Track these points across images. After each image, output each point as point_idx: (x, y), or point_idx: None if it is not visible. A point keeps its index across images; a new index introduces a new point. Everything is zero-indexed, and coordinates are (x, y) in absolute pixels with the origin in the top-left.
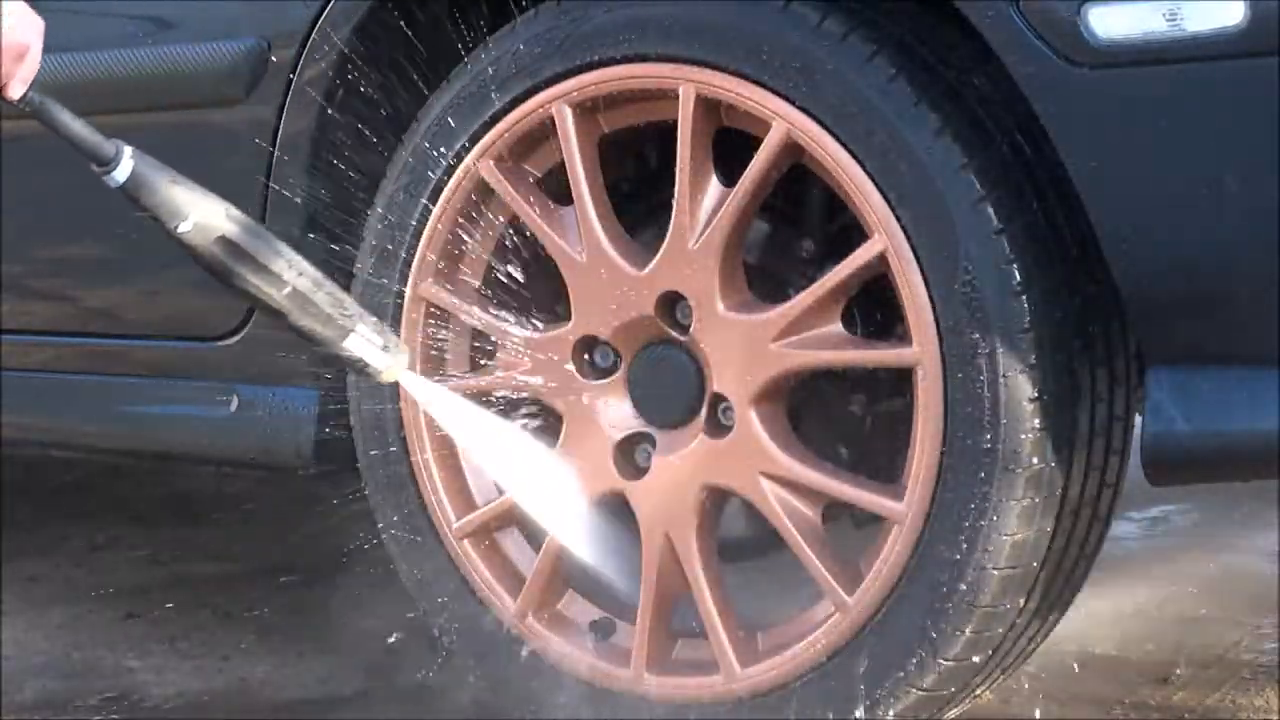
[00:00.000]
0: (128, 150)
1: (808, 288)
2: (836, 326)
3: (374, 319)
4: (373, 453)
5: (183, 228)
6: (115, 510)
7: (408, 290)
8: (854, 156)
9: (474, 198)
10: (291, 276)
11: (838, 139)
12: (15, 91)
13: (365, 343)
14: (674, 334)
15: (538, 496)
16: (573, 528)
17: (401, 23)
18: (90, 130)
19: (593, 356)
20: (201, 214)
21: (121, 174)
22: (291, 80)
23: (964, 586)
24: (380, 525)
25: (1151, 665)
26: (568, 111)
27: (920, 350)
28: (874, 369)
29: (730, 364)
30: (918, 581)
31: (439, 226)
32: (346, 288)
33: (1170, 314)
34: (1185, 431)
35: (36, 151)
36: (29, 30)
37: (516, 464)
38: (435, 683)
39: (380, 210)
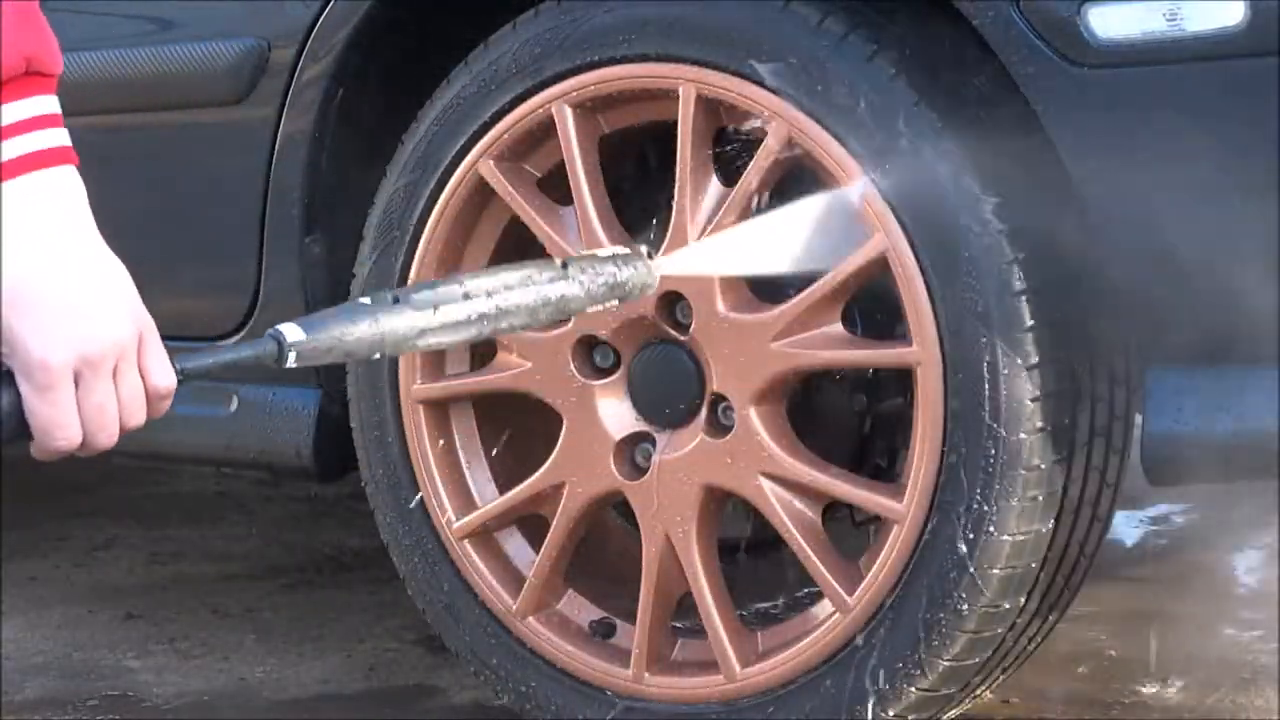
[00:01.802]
0: (286, 337)
1: (808, 288)
2: (836, 326)
3: (581, 261)
4: (372, 453)
5: (379, 355)
6: (115, 510)
7: None
8: (854, 156)
9: (474, 197)
10: (489, 306)
11: (838, 139)
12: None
13: (585, 284)
14: (674, 334)
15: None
16: None
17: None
18: (245, 346)
19: (592, 356)
20: (387, 335)
21: (294, 358)
22: (291, 80)
23: (964, 586)
24: (380, 525)
25: (1151, 665)
26: (568, 111)
27: (920, 350)
28: (874, 369)
29: (730, 364)
30: (918, 581)
31: (439, 226)
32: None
33: (1170, 314)
34: (1185, 431)
35: None
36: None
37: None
38: (435, 682)
39: (380, 210)
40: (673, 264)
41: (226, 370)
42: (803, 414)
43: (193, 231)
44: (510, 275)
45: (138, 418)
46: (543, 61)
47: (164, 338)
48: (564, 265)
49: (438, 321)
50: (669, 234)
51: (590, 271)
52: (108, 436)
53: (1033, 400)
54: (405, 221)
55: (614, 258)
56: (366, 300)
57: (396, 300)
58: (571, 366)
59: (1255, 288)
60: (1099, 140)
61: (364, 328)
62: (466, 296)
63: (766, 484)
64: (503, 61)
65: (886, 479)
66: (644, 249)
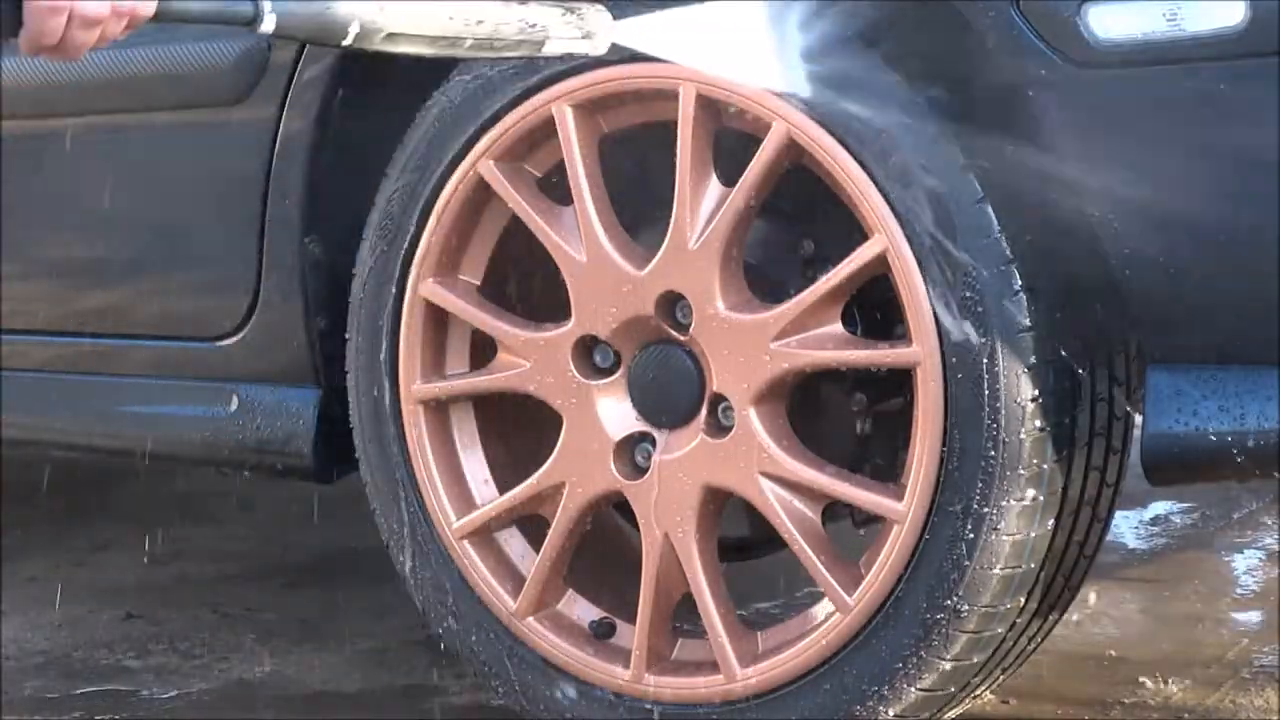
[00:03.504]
0: (266, 4)
1: (808, 288)
2: (836, 326)
3: (559, 8)
4: (372, 453)
5: (348, 41)
6: (115, 510)
7: (408, 290)
8: (854, 156)
9: (474, 197)
10: (470, 28)
11: (838, 139)
12: (149, 9)
13: (565, 40)
14: (674, 334)
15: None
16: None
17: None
18: (220, 3)
19: (592, 356)
20: (359, 19)
21: (269, 26)
22: (291, 80)
23: (964, 586)
24: (380, 525)
25: (1151, 665)
26: (568, 111)
27: (920, 350)
28: (874, 369)
29: (730, 364)
30: (918, 581)
31: (439, 226)
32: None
33: (1170, 314)
34: (1185, 431)
35: (36, 151)
36: None
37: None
38: (435, 682)
39: (380, 210)
40: (621, 36)
41: (202, 17)
42: (803, 414)
43: (193, 231)
44: (488, 9)
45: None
46: (543, 61)
47: (164, 337)
48: (532, 22)
49: (398, 26)
50: (669, 234)
51: (551, 29)
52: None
53: (1033, 400)
54: (405, 221)
55: (578, 20)
56: None
57: (381, 7)
58: (571, 366)
59: (1255, 287)
60: (1099, 141)
61: (330, 10)
62: (445, 16)
63: (766, 484)
64: (503, 61)
65: (886, 479)
66: (603, 12)
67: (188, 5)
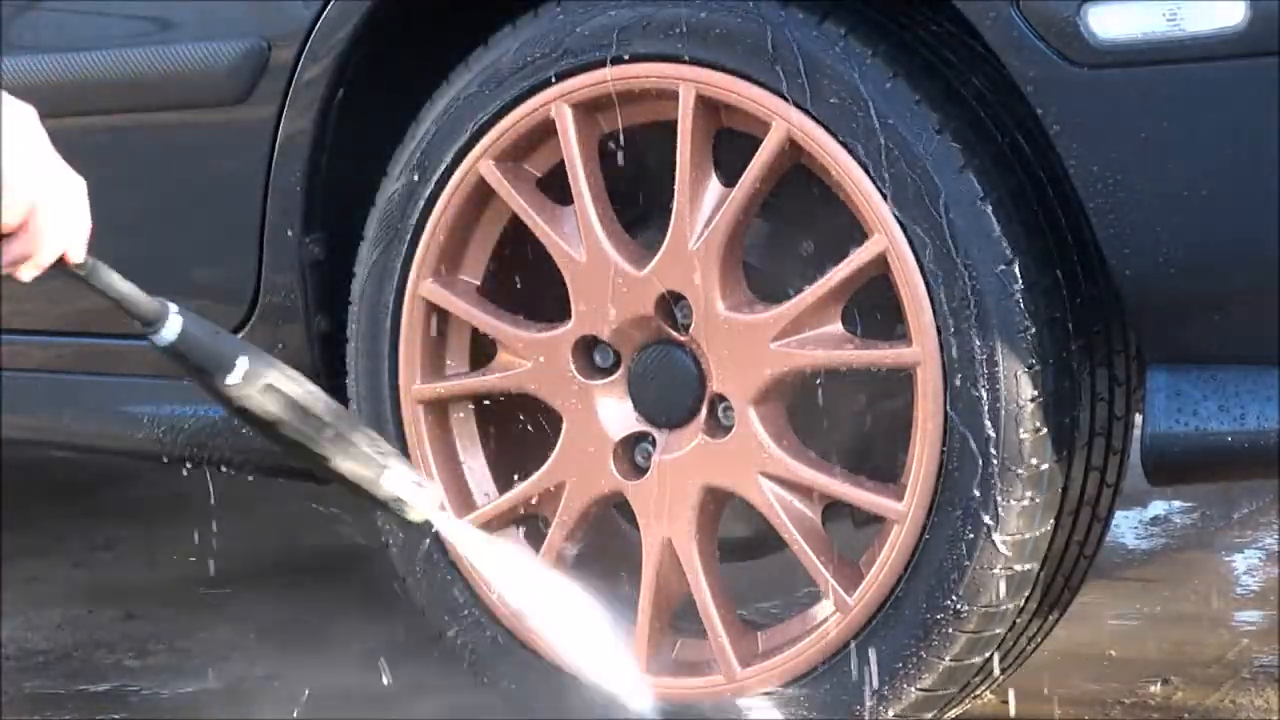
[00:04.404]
0: (173, 308)
1: (808, 288)
2: (836, 326)
3: (401, 455)
4: None
5: (231, 379)
6: (115, 510)
7: (408, 290)
8: (854, 156)
9: (474, 197)
10: (331, 417)
11: (838, 139)
12: (78, 256)
13: (400, 480)
14: (674, 334)
15: (580, 652)
16: (597, 666)
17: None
18: (136, 290)
19: (593, 356)
20: (249, 362)
21: (170, 333)
22: (291, 80)
23: (964, 586)
24: (380, 525)
25: (1151, 665)
26: (568, 111)
27: (920, 350)
28: (874, 369)
29: (730, 364)
30: (918, 581)
31: (439, 226)
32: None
33: (1170, 314)
34: (1185, 431)
35: None
36: (82, 198)
37: (560, 614)
38: (435, 682)
39: (380, 210)
40: (440, 518)
41: (109, 292)
42: (803, 414)
43: (193, 231)
44: (350, 414)
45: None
46: (543, 61)
47: None
48: (380, 445)
49: (278, 383)
50: (669, 234)
51: (393, 461)
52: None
53: (1033, 400)
54: (405, 221)
55: (413, 470)
56: (255, 348)
57: (265, 357)
58: (571, 366)
59: (1255, 287)
60: (1099, 140)
61: (228, 347)
62: (316, 396)
63: (766, 484)
64: (503, 61)
65: (886, 479)
66: (437, 486)
67: (110, 276)
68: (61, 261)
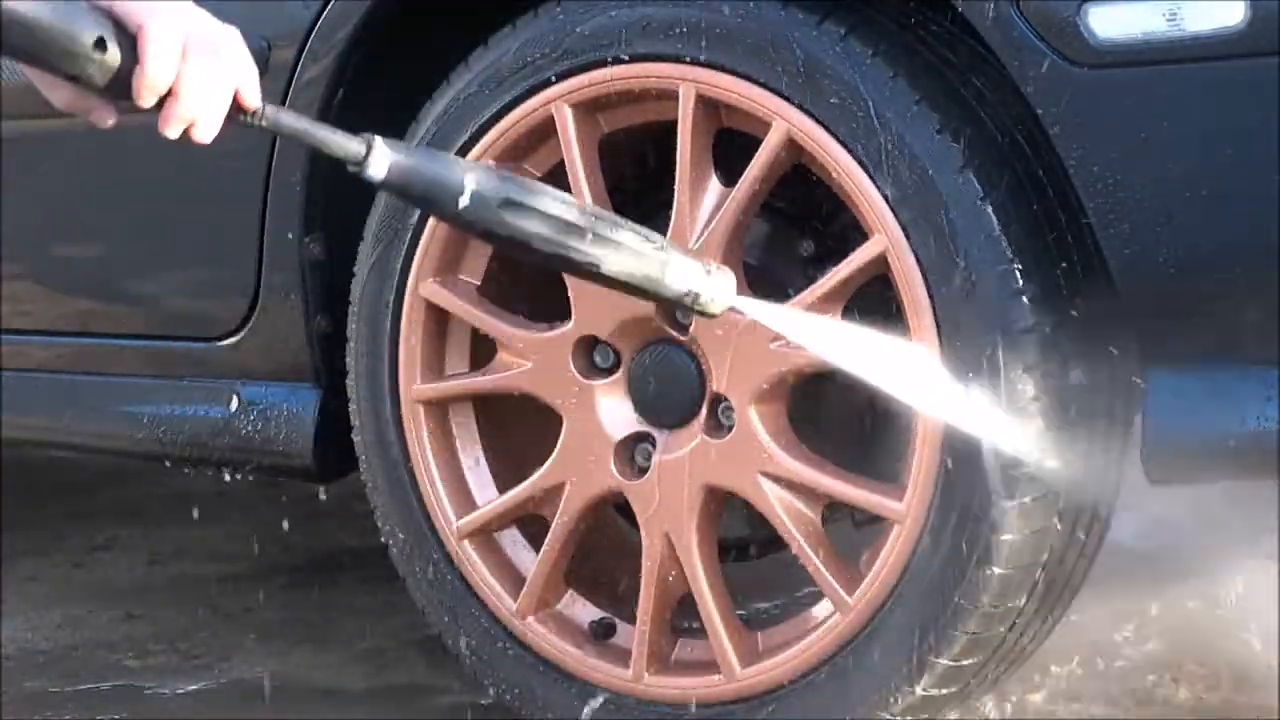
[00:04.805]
0: (379, 142)
1: (808, 288)
2: None
3: (679, 246)
4: (373, 452)
5: (464, 203)
6: (115, 510)
7: (408, 290)
8: (854, 156)
9: None
10: (588, 221)
11: (838, 139)
12: (253, 101)
13: (688, 270)
14: (674, 334)
15: (896, 387)
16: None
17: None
18: (332, 130)
19: (593, 356)
20: (478, 181)
21: (379, 169)
22: (291, 80)
23: (964, 586)
24: (380, 525)
25: (1152, 665)
26: (568, 111)
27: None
28: None
29: (730, 364)
30: (918, 581)
31: (439, 226)
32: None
33: (1170, 314)
34: (1185, 431)
35: (36, 151)
36: (238, 43)
37: (873, 360)
38: (435, 682)
39: (380, 210)
40: (742, 303)
41: (304, 136)
42: (803, 414)
43: (193, 231)
44: (608, 212)
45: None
46: (543, 61)
47: (163, 336)
48: (652, 237)
49: (517, 195)
50: (668, 234)
51: (673, 252)
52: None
53: (1033, 400)
54: (405, 221)
55: (699, 258)
56: (480, 164)
57: (496, 171)
58: (571, 366)
59: (1255, 287)
60: (1099, 140)
61: (448, 169)
62: (563, 201)
63: (766, 484)
64: (503, 61)
65: (886, 479)
66: (729, 271)
67: (299, 121)
68: (237, 110)
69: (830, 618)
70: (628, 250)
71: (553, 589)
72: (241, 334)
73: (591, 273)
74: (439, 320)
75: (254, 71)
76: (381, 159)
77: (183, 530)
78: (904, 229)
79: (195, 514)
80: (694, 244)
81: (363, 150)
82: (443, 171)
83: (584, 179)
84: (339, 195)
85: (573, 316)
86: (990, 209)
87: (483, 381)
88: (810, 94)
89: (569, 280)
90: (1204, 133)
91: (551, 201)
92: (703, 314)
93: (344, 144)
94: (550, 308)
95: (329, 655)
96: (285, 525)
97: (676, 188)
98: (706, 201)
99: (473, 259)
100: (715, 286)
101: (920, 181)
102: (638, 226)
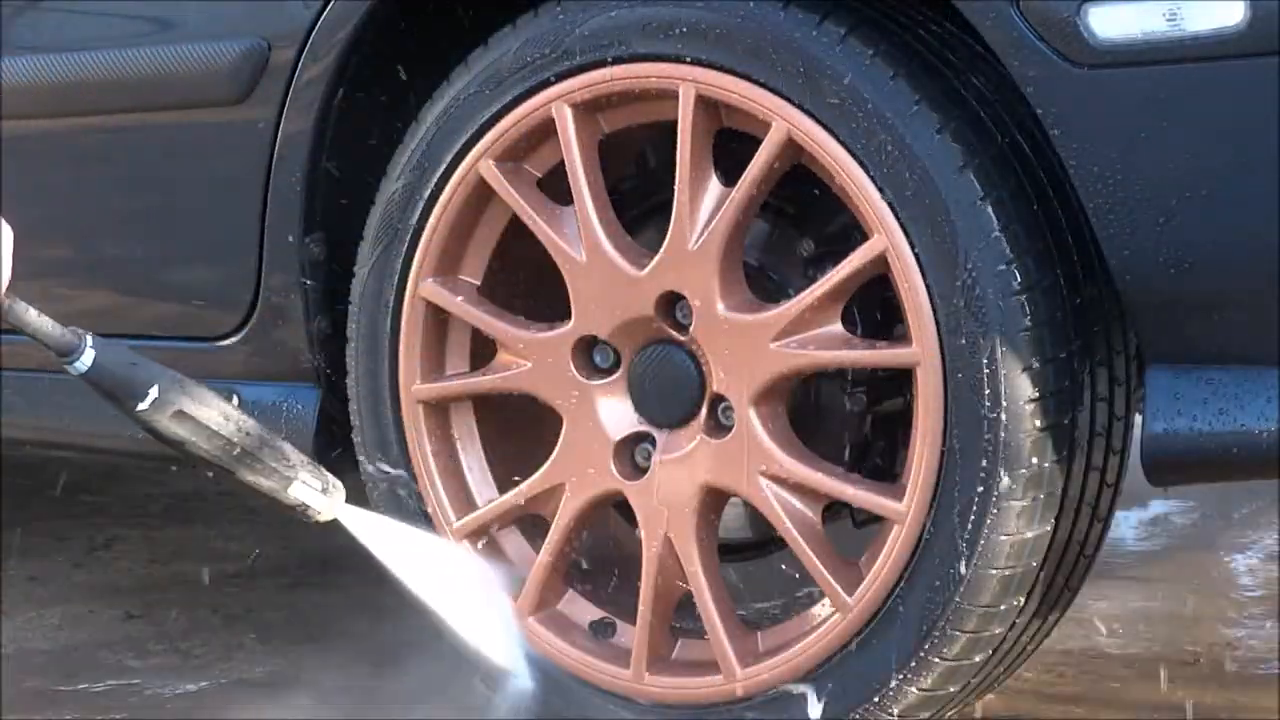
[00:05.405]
0: (90, 340)
1: (808, 288)
2: (836, 326)
3: (311, 464)
4: (372, 452)
5: (142, 406)
6: (115, 510)
7: (408, 290)
8: (854, 156)
9: (474, 197)
10: (240, 438)
11: (838, 139)
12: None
13: (306, 489)
14: (674, 334)
15: (469, 623)
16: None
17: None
18: (53, 324)
19: (593, 356)
20: (159, 390)
21: (84, 363)
22: (291, 80)
23: (964, 586)
24: None
25: (1152, 665)
26: (568, 111)
27: (920, 350)
28: (874, 369)
29: (730, 364)
30: (918, 581)
31: (439, 226)
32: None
33: (1170, 314)
34: (1185, 431)
35: (36, 151)
36: (7, 244)
37: (451, 594)
38: (435, 683)
39: (380, 210)
40: (344, 515)
41: (28, 332)
42: (803, 414)
43: (193, 231)
44: (260, 431)
45: None
46: (543, 62)
47: (163, 337)
48: (289, 458)
49: (189, 408)
50: (669, 234)
51: (300, 472)
52: None
53: (1032, 400)
54: (405, 221)
55: (320, 477)
56: (170, 372)
57: (184, 387)
58: (571, 366)
59: (1254, 287)
60: (1099, 140)
61: (141, 374)
62: (226, 417)
63: (766, 484)
64: (503, 61)
65: (886, 479)
66: (341, 488)
67: (27, 313)
68: None
69: (830, 618)
70: (263, 468)
71: (553, 589)
72: (241, 334)
73: (229, 478)
74: (439, 320)
75: (8, 276)
76: (89, 356)
77: (183, 530)
78: (904, 229)
79: (195, 514)
80: (694, 244)
81: (77, 346)
82: (132, 376)
83: (584, 179)
84: (339, 195)
85: (573, 317)
86: (990, 209)
87: (483, 381)
88: (810, 94)
89: (569, 280)
90: (1204, 133)
91: (220, 419)
92: (316, 521)
93: (60, 338)
94: (550, 308)
95: (329, 655)
96: (285, 525)
97: (676, 188)
98: (706, 201)
99: (473, 259)
100: (325, 503)
101: (920, 181)
102: (284, 447)
